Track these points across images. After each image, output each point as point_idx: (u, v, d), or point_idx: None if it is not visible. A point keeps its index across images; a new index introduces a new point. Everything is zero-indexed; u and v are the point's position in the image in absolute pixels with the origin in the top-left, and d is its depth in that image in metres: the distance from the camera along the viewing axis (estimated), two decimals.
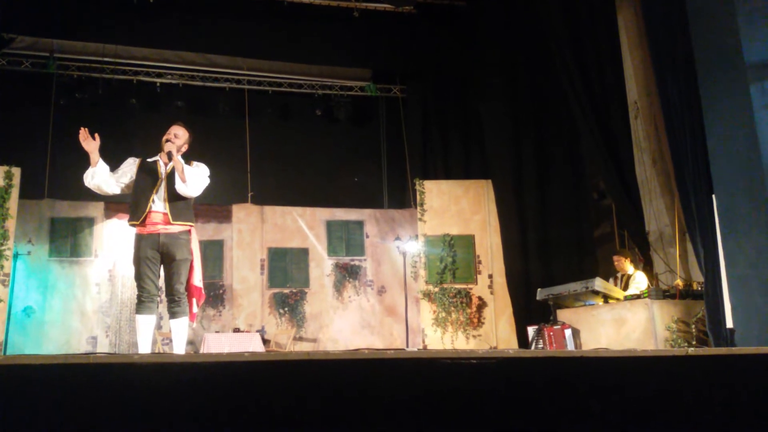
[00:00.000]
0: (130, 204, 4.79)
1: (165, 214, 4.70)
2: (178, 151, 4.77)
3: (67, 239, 10.63)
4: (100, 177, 4.78)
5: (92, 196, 10.65)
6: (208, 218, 11.10)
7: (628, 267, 7.35)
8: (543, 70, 9.61)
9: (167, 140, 4.80)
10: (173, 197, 4.74)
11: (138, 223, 4.68)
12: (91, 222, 10.76)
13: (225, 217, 11.40)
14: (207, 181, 4.89)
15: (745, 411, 2.30)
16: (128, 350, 10.25)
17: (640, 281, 7.12)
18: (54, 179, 10.80)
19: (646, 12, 7.17)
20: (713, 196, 5.42)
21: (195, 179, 4.76)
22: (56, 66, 11.11)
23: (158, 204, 4.72)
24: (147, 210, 4.68)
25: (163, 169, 4.82)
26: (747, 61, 4.73)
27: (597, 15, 8.37)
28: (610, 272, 7.64)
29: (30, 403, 1.80)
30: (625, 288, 7.13)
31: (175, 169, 4.71)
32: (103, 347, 10.29)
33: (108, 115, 11.25)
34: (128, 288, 10.52)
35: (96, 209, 10.80)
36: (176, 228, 4.72)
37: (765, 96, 4.63)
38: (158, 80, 11.71)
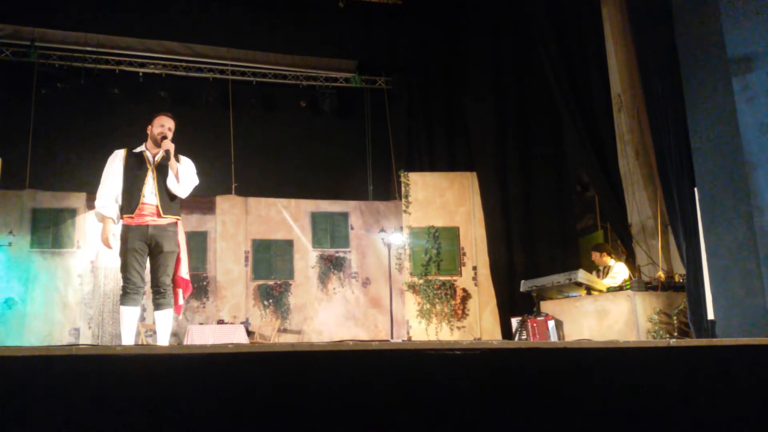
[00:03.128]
0: (122, 196, 4.72)
1: (156, 206, 4.67)
2: None
3: (49, 230, 10.53)
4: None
5: (74, 186, 10.66)
6: (191, 209, 11.03)
7: (608, 260, 7.39)
8: (528, 62, 9.64)
9: (163, 136, 4.72)
10: (164, 190, 4.70)
11: (132, 215, 4.63)
12: (73, 213, 10.67)
13: (208, 208, 11.34)
14: (197, 181, 4.87)
15: (725, 401, 2.33)
16: (111, 342, 10.19)
17: (618, 271, 7.16)
18: (35, 170, 10.70)
19: (631, 5, 7.20)
20: (695, 188, 5.45)
21: (188, 181, 4.74)
22: (37, 55, 10.97)
23: (148, 196, 4.67)
24: (139, 202, 4.64)
25: (151, 160, 4.77)
26: (730, 55, 4.76)
27: (581, 7, 8.39)
28: (592, 263, 7.69)
29: (11, 396, 1.79)
30: (605, 278, 7.18)
31: (169, 166, 4.67)
32: (86, 339, 10.22)
33: (90, 105, 11.16)
34: (111, 279, 10.45)
35: (78, 200, 10.71)
36: (165, 220, 4.69)
37: (747, 89, 4.67)
38: (141, 70, 11.61)
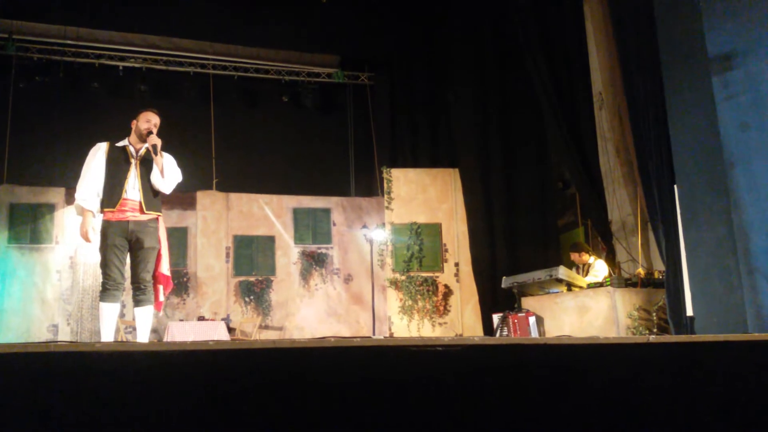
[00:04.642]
0: (103, 190, 4.65)
1: (139, 202, 4.62)
2: None
3: (27, 225, 10.41)
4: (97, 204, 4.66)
5: (53, 181, 10.53)
6: (171, 205, 10.95)
7: (588, 258, 7.45)
8: (510, 60, 9.66)
9: (149, 131, 4.67)
10: (147, 185, 4.66)
11: (113, 210, 4.58)
12: (51, 208, 10.55)
13: (189, 203, 11.27)
14: (180, 177, 4.83)
15: (703, 397, 2.35)
16: (90, 338, 10.10)
17: (599, 269, 7.22)
18: (13, 164, 10.58)
19: (612, 3, 7.24)
20: (675, 186, 5.50)
21: (173, 176, 4.70)
22: (15, 48, 10.82)
23: (131, 192, 4.63)
24: (120, 197, 4.59)
25: (134, 154, 4.72)
26: (710, 53, 4.80)
27: (564, 4, 8.42)
28: (573, 262, 7.75)
29: None
30: (586, 276, 7.23)
31: (155, 162, 4.63)
32: (65, 335, 10.13)
33: (69, 98, 11.04)
34: (90, 275, 10.35)
35: (57, 195, 10.59)
36: (146, 216, 4.64)
37: (727, 88, 4.71)
38: (121, 64, 11.50)
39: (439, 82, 11.22)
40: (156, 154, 4.63)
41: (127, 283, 4.71)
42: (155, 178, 4.64)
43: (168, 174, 4.67)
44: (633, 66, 6.61)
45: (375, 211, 11.80)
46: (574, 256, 7.53)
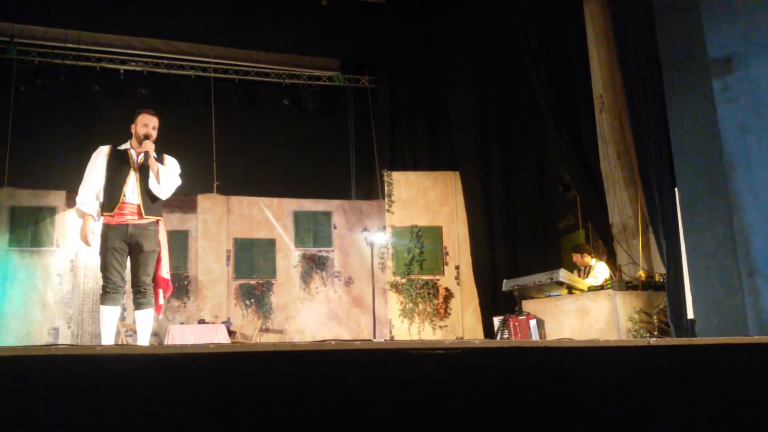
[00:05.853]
0: (103, 194, 4.66)
1: (138, 206, 4.62)
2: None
3: (28, 229, 10.41)
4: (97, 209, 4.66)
5: (54, 184, 10.54)
6: (172, 208, 10.95)
7: (589, 260, 7.44)
8: (511, 62, 9.67)
9: (146, 135, 4.67)
10: (146, 190, 4.65)
11: (112, 213, 4.58)
12: (52, 211, 10.55)
13: (190, 207, 11.27)
14: (179, 182, 4.82)
15: (704, 400, 2.35)
16: (91, 342, 10.10)
17: (599, 271, 7.21)
18: (14, 167, 10.58)
19: (613, 5, 7.24)
20: (676, 189, 5.50)
21: (169, 182, 4.69)
22: (17, 51, 10.84)
23: (130, 196, 4.63)
24: (119, 201, 4.59)
25: (135, 158, 4.72)
26: (710, 56, 4.81)
27: (564, 7, 8.43)
28: (574, 263, 7.75)
29: None
30: (587, 278, 7.22)
31: (150, 168, 4.63)
32: (65, 339, 10.12)
33: (70, 102, 11.06)
34: (90, 278, 10.34)
35: (58, 198, 10.60)
36: (145, 220, 4.64)
37: (727, 90, 4.71)
38: (122, 67, 11.51)
39: (440, 85, 11.22)
40: (149, 160, 4.63)
41: (128, 287, 4.71)
42: (151, 183, 4.64)
43: (164, 180, 4.66)
44: (633, 68, 6.61)
45: (376, 214, 11.80)
46: (576, 258, 7.53)
